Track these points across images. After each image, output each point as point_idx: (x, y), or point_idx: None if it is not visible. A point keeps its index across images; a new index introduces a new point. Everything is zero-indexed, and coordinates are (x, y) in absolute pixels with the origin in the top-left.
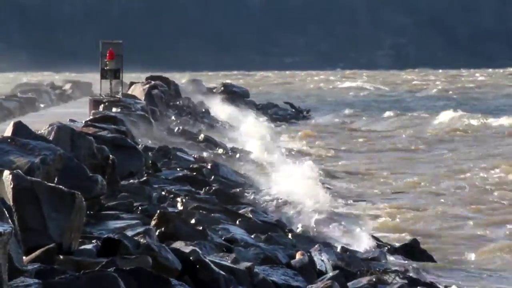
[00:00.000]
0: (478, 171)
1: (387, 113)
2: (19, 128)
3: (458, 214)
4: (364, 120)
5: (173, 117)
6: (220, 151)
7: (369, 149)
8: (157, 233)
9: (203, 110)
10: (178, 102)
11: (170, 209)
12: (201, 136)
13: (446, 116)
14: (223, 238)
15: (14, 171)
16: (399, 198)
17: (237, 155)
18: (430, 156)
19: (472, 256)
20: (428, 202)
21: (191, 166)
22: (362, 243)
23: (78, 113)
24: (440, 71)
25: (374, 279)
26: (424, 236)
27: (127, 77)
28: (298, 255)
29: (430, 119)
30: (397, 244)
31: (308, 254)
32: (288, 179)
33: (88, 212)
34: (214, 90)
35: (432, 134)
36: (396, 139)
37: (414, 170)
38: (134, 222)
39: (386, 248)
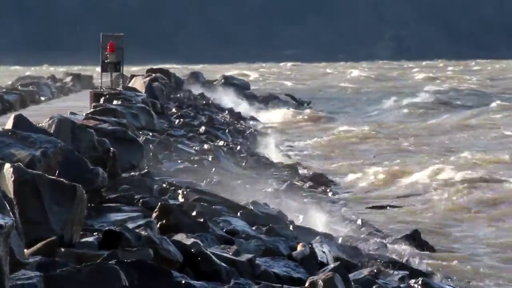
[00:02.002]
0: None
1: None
2: (20, 121)
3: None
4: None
5: (174, 110)
6: (221, 143)
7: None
8: (158, 226)
9: (204, 102)
10: (178, 95)
11: (171, 202)
12: (202, 129)
13: None
14: (224, 230)
15: (15, 164)
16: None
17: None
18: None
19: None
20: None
21: (192, 158)
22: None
23: (78, 106)
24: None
25: (375, 271)
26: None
27: (127, 70)
28: (299, 247)
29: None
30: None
31: (310, 245)
32: None
33: (89, 204)
34: (214, 83)
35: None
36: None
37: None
38: (135, 214)
39: (388, 238)
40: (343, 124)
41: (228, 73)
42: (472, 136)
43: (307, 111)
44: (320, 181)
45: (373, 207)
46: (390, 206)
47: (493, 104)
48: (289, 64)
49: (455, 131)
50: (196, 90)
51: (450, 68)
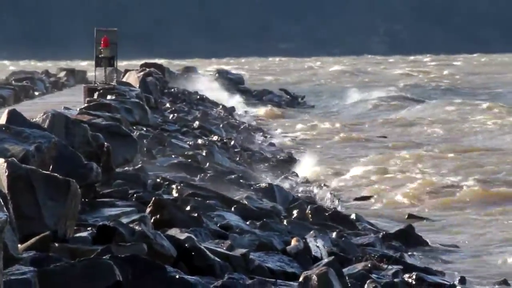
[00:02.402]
0: None
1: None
2: (14, 116)
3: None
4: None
5: (167, 104)
6: (215, 138)
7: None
8: (152, 220)
9: (198, 97)
10: (172, 90)
11: (165, 196)
12: (196, 123)
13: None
14: (218, 225)
15: (9, 159)
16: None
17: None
18: None
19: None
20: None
21: (186, 153)
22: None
23: (72, 101)
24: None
25: (369, 265)
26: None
27: (121, 64)
28: (293, 242)
29: None
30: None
31: (304, 240)
32: None
33: (83, 199)
34: (208, 77)
35: None
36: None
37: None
38: (129, 209)
39: (381, 233)
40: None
41: (223, 67)
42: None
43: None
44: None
45: (361, 198)
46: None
47: (447, 100)
48: (284, 58)
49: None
50: (190, 85)
51: (433, 63)
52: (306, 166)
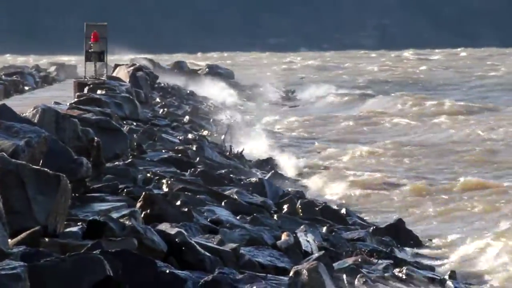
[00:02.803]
0: None
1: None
2: (4, 111)
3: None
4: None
5: (158, 99)
6: (205, 132)
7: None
8: (142, 215)
9: (188, 91)
10: (163, 84)
11: (155, 191)
12: (186, 118)
13: None
14: (208, 220)
15: None
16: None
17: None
18: None
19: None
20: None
21: (176, 147)
22: None
23: (62, 95)
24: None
25: (359, 260)
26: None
27: (111, 59)
28: (283, 236)
29: None
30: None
31: (294, 235)
32: None
33: (73, 194)
34: (199, 72)
35: None
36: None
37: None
38: (119, 204)
39: (372, 228)
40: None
41: (213, 62)
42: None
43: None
44: None
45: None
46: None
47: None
48: (273, 53)
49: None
50: (180, 80)
51: (411, 58)
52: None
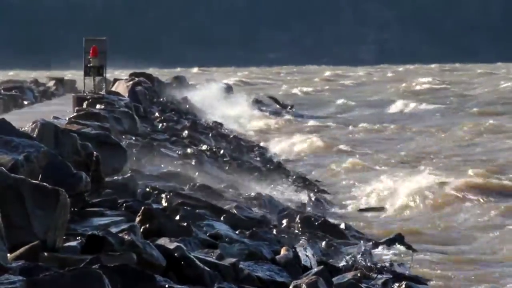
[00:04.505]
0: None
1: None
2: (3, 125)
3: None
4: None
5: (157, 114)
6: (204, 147)
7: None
8: (141, 230)
9: (187, 106)
10: (162, 99)
11: (154, 206)
12: (185, 133)
13: None
14: (207, 234)
15: None
16: None
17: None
18: None
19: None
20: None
21: (175, 162)
22: None
23: (61, 110)
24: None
25: (358, 274)
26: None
27: (110, 73)
28: (283, 251)
29: None
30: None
31: (293, 249)
32: None
33: (72, 209)
34: (197, 87)
35: None
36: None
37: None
38: (118, 218)
39: (371, 242)
40: None
41: (212, 77)
42: None
43: None
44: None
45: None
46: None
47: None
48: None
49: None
50: (179, 95)
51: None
52: None
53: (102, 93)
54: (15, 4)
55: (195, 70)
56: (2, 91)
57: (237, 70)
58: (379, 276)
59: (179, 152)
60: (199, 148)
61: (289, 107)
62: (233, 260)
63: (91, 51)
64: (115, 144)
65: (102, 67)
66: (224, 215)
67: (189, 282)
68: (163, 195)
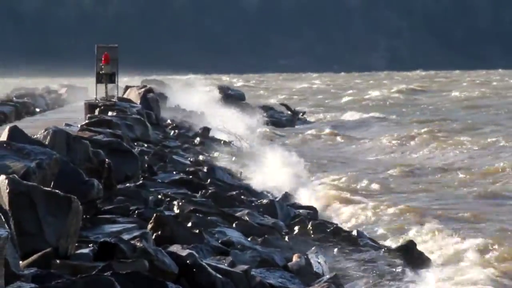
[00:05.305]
0: None
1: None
2: (15, 133)
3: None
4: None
5: (168, 121)
6: (216, 154)
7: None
8: (153, 237)
9: (199, 113)
10: (174, 106)
11: (166, 213)
12: (197, 140)
13: None
14: (219, 241)
15: (10, 175)
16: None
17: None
18: None
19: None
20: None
21: (187, 169)
22: None
23: (73, 117)
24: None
25: (370, 281)
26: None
27: (122, 80)
28: (295, 258)
29: None
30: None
31: (305, 256)
32: None
33: (84, 216)
34: (209, 93)
35: None
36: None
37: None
38: (130, 225)
39: (383, 250)
40: None
41: (224, 84)
42: None
43: None
44: None
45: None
46: None
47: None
48: (284, 74)
49: None
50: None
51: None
52: None
53: (114, 100)
54: (29, 13)
55: (206, 76)
56: (14, 98)
57: (249, 76)
58: (391, 283)
59: (191, 159)
60: (211, 155)
61: (301, 113)
62: (245, 267)
63: (103, 58)
64: (127, 151)
65: (114, 74)
66: (236, 222)
67: None
68: (175, 202)
